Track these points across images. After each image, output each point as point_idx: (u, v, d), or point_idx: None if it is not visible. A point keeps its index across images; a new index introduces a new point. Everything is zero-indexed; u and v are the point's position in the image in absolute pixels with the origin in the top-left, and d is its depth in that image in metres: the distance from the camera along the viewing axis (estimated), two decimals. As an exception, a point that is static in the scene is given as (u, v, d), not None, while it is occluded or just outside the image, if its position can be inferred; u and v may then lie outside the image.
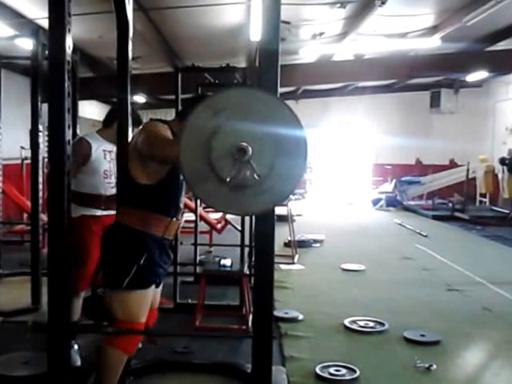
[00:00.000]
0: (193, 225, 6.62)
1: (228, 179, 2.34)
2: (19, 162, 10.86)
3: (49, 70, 2.59)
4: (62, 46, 2.55)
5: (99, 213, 4.41)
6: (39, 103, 5.59)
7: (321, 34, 10.19)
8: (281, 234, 8.77)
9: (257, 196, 2.41)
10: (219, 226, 8.97)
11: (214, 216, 9.01)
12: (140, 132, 3.18)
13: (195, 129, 2.39)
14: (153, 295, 3.27)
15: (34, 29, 5.81)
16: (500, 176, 15.24)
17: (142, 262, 3.03)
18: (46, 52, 5.53)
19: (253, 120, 2.36)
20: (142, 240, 3.09)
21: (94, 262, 4.31)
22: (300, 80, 13.17)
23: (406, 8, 8.73)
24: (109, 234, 3.26)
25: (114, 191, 4.20)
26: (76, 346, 4.29)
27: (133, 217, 3.11)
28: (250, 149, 2.32)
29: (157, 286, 3.29)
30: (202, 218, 8.14)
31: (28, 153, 6.05)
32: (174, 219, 3.21)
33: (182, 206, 3.33)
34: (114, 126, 4.39)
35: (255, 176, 2.35)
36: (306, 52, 11.29)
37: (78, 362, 4.19)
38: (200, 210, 7.22)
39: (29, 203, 6.52)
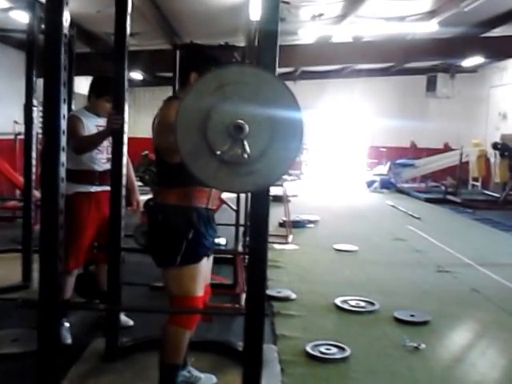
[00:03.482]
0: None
1: (218, 152, 2.35)
2: (12, 137, 10.75)
3: (45, 43, 2.55)
4: (59, 18, 2.51)
5: (94, 189, 4.37)
6: (34, 78, 5.53)
7: (320, 15, 10.17)
8: (276, 214, 8.80)
9: (245, 176, 2.43)
10: (214, 205, 8.94)
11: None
12: (158, 119, 3.18)
13: (194, 102, 2.40)
14: (205, 269, 3.30)
15: (30, 1, 5.67)
16: (492, 160, 15.34)
17: (190, 236, 3.07)
18: (43, 26, 5.47)
19: (254, 100, 2.37)
20: (188, 215, 3.11)
21: (88, 239, 4.33)
22: (298, 61, 13.16)
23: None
24: (153, 215, 3.26)
25: (107, 166, 4.16)
26: (67, 324, 4.28)
27: (174, 195, 3.13)
28: (246, 127, 2.34)
29: (207, 258, 3.31)
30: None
31: (21, 128, 5.98)
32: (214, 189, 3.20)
33: None
34: (100, 100, 4.35)
35: (245, 156, 2.37)
36: (305, 33, 11.27)
37: (69, 340, 4.17)
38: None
39: (22, 179, 6.46)
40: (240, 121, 2.34)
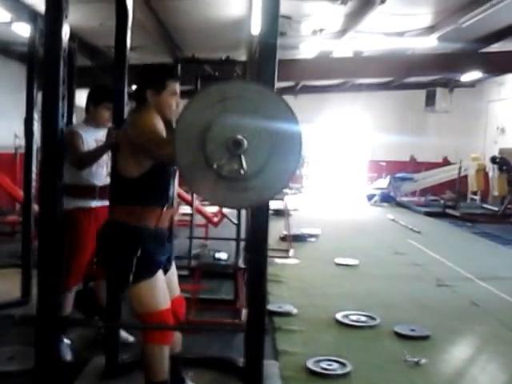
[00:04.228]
0: (189, 218, 6.59)
1: (215, 166, 2.36)
2: (13, 151, 10.73)
3: (44, 57, 2.55)
4: (58, 32, 2.51)
5: (94, 204, 4.32)
6: (35, 91, 5.48)
7: (321, 30, 10.21)
8: (277, 228, 8.82)
9: (242, 192, 2.45)
10: (215, 219, 8.91)
11: (210, 209, 9.01)
12: (132, 124, 3.12)
13: (195, 113, 2.41)
14: (165, 282, 3.23)
15: (31, 14, 5.67)
16: (491, 174, 15.36)
17: (139, 254, 3.02)
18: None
19: (254, 116, 2.38)
20: (136, 234, 3.07)
21: (88, 255, 4.25)
22: (299, 75, 13.19)
23: (404, 7, 8.78)
24: (104, 233, 3.24)
25: (107, 181, 4.11)
26: (67, 341, 4.24)
27: (125, 213, 3.10)
28: (245, 143, 2.34)
29: (165, 273, 3.26)
30: (199, 211, 8.13)
31: (22, 142, 5.95)
32: (165, 209, 3.17)
33: (173, 194, 3.29)
34: (99, 108, 4.30)
35: (241, 171, 2.37)
36: (305, 47, 11.30)
37: (69, 357, 4.14)
38: (196, 203, 7.22)
39: (22, 193, 6.42)
40: (239, 136, 2.34)
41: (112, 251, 3.13)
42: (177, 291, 3.46)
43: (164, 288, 3.20)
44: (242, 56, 10.93)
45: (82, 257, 4.25)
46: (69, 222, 4.14)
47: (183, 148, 2.45)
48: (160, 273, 3.18)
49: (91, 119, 4.40)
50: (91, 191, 4.31)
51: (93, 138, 4.30)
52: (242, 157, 2.36)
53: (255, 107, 2.42)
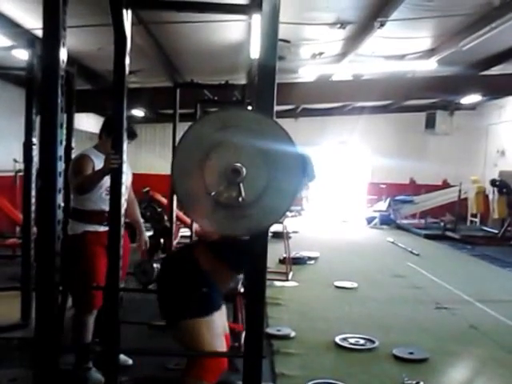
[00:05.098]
0: (188, 241, 6.60)
1: (213, 193, 2.38)
2: (12, 174, 10.74)
3: (41, 84, 2.56)
4: (56, 59, 2.51)
5: (102, 229, 4.27)
6: (34, 115, 5.48)
7: (320, 53, 10.29)
8: (276, 250, 8.80)
9: (239, 219, 2.46)
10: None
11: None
12: None
13: (192, 142, 2.43)
14: (220, 320, 3.26)
15: (30, 39, 5.70)
16: (491, 197, 15.35)
17: (204, 290, 3.08)
18: (43, 63, 5.51)
19: (254, 145, 2.41)
20: (207, 278, 3.12)
21: (102, 278, 4.24)
22: (299, 99, 13.27)
23: (404, 31, 8.83)
24: (174, 263, 3.30)
25: None
26: (91, 366, 4.24)
27: (205, 258, 3.13)
28: (244, 171, 2.37)
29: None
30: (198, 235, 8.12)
31: (21, 165, 5.96)
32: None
33: None
34: (112, 138, 4.38)
35: (239, 199, 2.39)
36: (305, 71, 11.38)
37: (102, 380, 4.09)
38: (196, 225, 7.22)
39: (21, 216, 6.43)
40: (238, 164, 2.36)
41: (179, 283, 3.15)
42: (226, 329, 3.47)
43: (222, 329, 3.24)
44: (241, 79, 11.02)
45: (98, 278, 4.15)
46: (79, 246, 4.19)
47: (181, 174, 2.47)
48: (217, 314, 3.19)
49: (102, 146, 4.40)
50: (100, 216, 4.28)
51: (102, 164, 4.31)
52: (241, 185, 2.39)
53: (254, 135, 2.44)
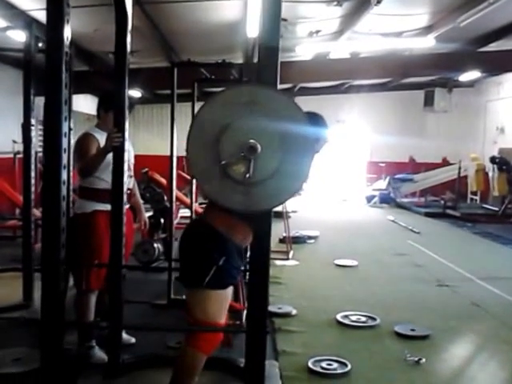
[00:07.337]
0: (188, 221, 6.59)
1: (223, 162, 2.39)
2: (11, 156, 10.71)
3: (46, 61, 2.54)
4: (61, 36, 2.51)
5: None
6: (32, 96, 5.50)
7: (317, 31, 10.22)
8: (276, 230, 8.80)
9: (243, 195, 2.47)
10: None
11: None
12: None
13: (216, 111, 2.49)
14: (230, 297, 3.29)
15: (27, 21, 5.70)
16: (490, 174, 15.33)
17: (220, 263, 3.04)
18: (39, 45, 5.46)
19: (274, 124, 2.46)
20: (223, 243, 3.09)
21: (106, 258, 4.20)
22: (296, 77, 13.20)
23: (401, 7, 8.80)
24: (191, 230, 3.29)
25: (129, 184, 4.17)
26: (94, 345, 4.25)
27: (218, 219, 3.08)
28: (259, 149, 2.38)
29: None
30: (198, 214, 8.11)
31: (20, 147, 5.94)
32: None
33: None
34: (109, 113, 4.26)
35: (246, 176, 2.40)
36: (302, 49, 11.32)
37: (106, 358, 4.05)
38: (195, 205, 7.22)
39: (21, 198, 6.44)
40: (256, 143, 2.38)
41: (196, 251, 3.14)
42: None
43: (227, 302, 3.25)
44: (237, 58, 10.96)
45: (101, 258, 4.16)
46: (88, 224, 4.19)
47: (197, 140, 2.48)
48: (230, 288, 3.23)
49: (102, 124, 4.39)
50: (108, 195, 4.27)
51: None
52: (252, 162, 2.39)
53: (276, 118, 2.46)
